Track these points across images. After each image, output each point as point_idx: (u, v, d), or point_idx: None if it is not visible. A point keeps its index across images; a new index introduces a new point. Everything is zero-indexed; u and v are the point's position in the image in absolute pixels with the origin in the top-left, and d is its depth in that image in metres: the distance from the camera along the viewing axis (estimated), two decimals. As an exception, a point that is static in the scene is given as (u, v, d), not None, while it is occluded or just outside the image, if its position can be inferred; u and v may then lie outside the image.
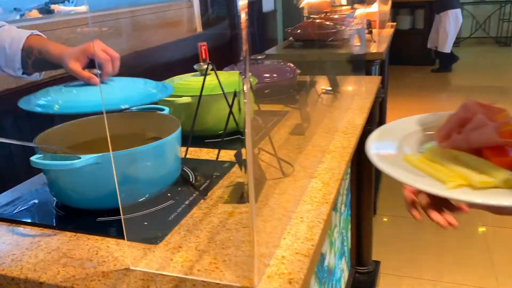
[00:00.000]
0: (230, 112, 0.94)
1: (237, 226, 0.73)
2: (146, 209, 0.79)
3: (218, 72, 1.25)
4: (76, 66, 0.86)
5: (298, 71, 1.59)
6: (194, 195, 0.85)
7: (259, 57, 1.58)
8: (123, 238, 0.71)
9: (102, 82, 0.86)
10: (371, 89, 1.59)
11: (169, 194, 0.85)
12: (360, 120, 1.25)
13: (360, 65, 1.89)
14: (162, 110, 1.01)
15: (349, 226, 1.80)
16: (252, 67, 1.57)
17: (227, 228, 0.73)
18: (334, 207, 1.42)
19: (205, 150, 1.09)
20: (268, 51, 2.51)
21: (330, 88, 1.54)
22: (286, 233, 0.71)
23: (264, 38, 3.62)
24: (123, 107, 0.81)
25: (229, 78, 1.19)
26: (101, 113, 0.66)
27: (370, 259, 2.01)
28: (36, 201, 0.85)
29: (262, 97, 1.51)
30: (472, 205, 0.58)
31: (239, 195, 0.84)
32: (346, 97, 1.49)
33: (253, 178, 0.55)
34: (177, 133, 0.87)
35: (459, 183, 0.58)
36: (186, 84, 1.15)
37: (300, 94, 1.53)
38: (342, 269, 1.68)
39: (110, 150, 0.67)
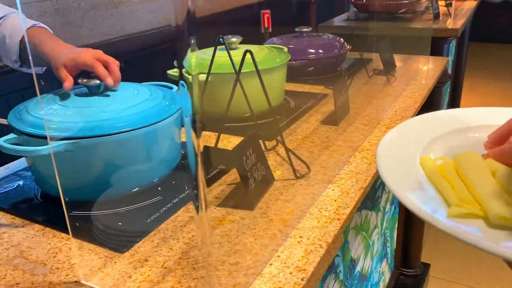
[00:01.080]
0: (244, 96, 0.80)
1: (222, 239, 0.61)
2: (124, 207, 0.68)
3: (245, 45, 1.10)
4: (62, 72, 0.77)
5: (348, 47, 1.39)
6: (187, 192, 0.73)
7: (305, 29, 1.41)
8: (89, 240, 0.61)
9: (103, 93, 0.76)
10: (434, 72, 1.36)
11: (159, 188, 0.74)
12: (410, 110, 1.05)
13: (426, 43, 1.64)
14: (171, 88, 0.89)
15: (396, 225, 1.61)
16: (295, 41, 1.40)
17: (210, 240, 0.60)
18: (376, 207, 1.25)
19: (221, 136, 0.96)
20: (324, 23, 2.30)
21: (383, 69, 1.34)
22: (275, 257, 0.57)
23: (333, 7, 3.37)
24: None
25: (258, 53, 1.04)
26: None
27: (418, 261, 1.81)
28: (20, 183, 0.78)
29: (304, 75, 1.35)
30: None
31: (239, 197, 0.71)
32: (401, 81, 1.28)
33: (203, 182, 0.41)
34: (174, 116, 0.75)
35: (467, 212, 0.38)
36: (207, 59, 1.02)
37: (345, 74, 1.34)
38: (382, 272, 1.51)
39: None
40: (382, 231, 1.41)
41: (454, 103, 3.14)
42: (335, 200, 0.69)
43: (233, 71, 0.82)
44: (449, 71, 2.72)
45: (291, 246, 0.59)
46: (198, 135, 0.38)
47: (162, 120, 0.71)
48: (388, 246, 1.55)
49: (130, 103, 0.72)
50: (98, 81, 0.74)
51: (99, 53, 0.79)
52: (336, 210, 0.66)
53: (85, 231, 0.64)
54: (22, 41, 0.89)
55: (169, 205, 0.69)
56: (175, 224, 0.65)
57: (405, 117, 1.01)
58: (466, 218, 0.38)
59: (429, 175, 0.44)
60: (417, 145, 0.49)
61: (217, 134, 0.97)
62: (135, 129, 0.66)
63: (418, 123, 0.55)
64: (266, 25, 2.02)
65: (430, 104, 1.41)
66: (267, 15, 2.03)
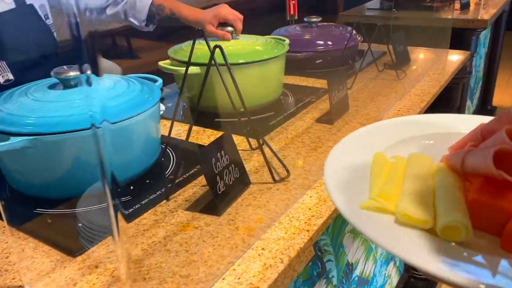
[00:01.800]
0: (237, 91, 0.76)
1: (181, 247, 0.57)
2: (88, 206, 0.66)
3: (243, 35, 1.06)
4: (212, 29, 1.04)
5: (360, 39, 1.32)
6: (159, 192, 0.70)
7: (314, 19, 1.34)
8: (46, 241, 0.59)
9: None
10: (450, 67, 1.27)
11: (131, 188, 0.71)
12: (415, 110, 0.98)
13: (446, 35, 1.54)
14: (155, 81, 0.86)
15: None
16: (302, 31, 1.34)
17: (167, 248, 0.57)
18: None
19: (209, 132, 0.92)
20: (346, 12, 2.21)
21: (395, 63, 1.26)
22: (230, 271, 0.53)
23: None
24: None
25: (253, 44, 0.99)
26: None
27: (432, 264, 1.73)
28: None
29: (309, 68, 1.29)
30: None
31: (207, 201, 0.67)
32: (411, 77, 1.20)
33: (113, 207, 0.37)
34: (150, 111, 0.71)
35: (379, 206, 0.36)
36: (199, 49, 0.98)
37: (344, 68, 1.27)
38: (388, 275, 1.45)
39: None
40: (388, 234, 1.34)
41: (485, 100, 2.98)
42: (310, 209, 0.64)
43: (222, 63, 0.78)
44: (481, 65, 2.57)
45: (250, 259, 0.55)
46: (101, 148, 0.34)
47: (133, 116, 0.68)
48: (397, 249, 1.48)
49: (102, 98, 0.69)
50: (73, 74, 0.71)
51: (232, 10, 1.06)
52: (308, 220, 0.61)
53: (45, 231, 0.62)
54: (153, 4, 1.07)
55: (136, 206, 0.66)
56: (138, 228, 0.62)
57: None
58: (378, 212, 0.36)
59: (372, 168, 0.43)
60: (374, 149, 0.45)
61: (211, 130, 0.93)
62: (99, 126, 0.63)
63: (375, 129, 0.51)
64: (292, 12, 1.96)
65: (446, 101, 1.32)
66: (293, 2, 1.96)
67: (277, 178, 0.72)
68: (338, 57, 1.27)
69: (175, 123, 0.97)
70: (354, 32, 1.32)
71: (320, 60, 1.29)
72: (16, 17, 0.94)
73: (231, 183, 0.66)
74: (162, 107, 1.02)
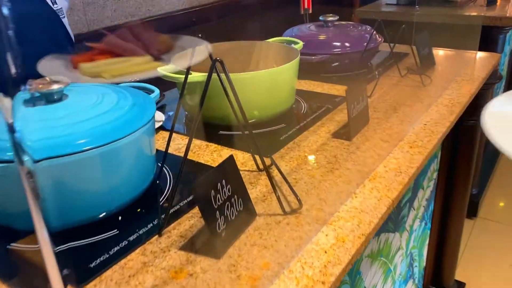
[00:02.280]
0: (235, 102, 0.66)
1: (171, 301, 0.48)
2: (66, 243, 0.57)
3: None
4: None
5: (380, 40, 1.21)
6: (151, 224, 0.61)
7: (330, 18, 1.23)
8: (13, 284, 0.51)
9: None
10: (480, 72, 1.15)
11: (119, 218, 0.62)
12: (443, 124, 0.87)
13: (474, 35, 1.42)
14: (151, 92, 0.77)
15: (427, 241, 1.44)
16: (317, 32, 1.23)
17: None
18: (400, 227, 1.09)
19: (212, 147, 0.83)
20: (364, 7, 2.09)
21: (419, 67, 1.15)
22: (228, 339, 0.43)
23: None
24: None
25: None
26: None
27: (452, 279, 1.63)
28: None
29: (326, 72, 1.18)
30: None
31: (206, 239, 0.57)
32: (438, 83, 1.09)
33: None
34: (143, 130, 0.62)
35: None
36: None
37: (367, 73, 1.16)
38: (406, 294, 1.35)
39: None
40: (408, 252, 1.24)
41: None
42: (326, 252, 0.54)
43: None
44: (505, 63, 2.43)
45: (253, 321, 0.45)
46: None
47: (120, 138, 0.59)
48: (416, 266, 1.38)
49: (86, 115, 0.60)
50: (54, 88, 0.62)
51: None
52: (324, 268, 0.51)
53: (14, 270, 0.53)
54: None
55: (123, 244, 0.57)
56: (123, 273, 0.52)
57: (435, 133, 0.83)
58: None
59: None
60: None
61: (215, 144, 0.84)
62: (76, 153, 0.54)
63: None
64: (306, 6, 1.86)
65: (471, 109, 1.21)
66: (308, -5, 1.86)
67: (287, 209, 0.62)
68: (357, 60, 1.16)
69: (176, 135, 0.88)
70: (374, 32, 1.21)
71: (337, 63, 1.18)
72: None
73: (233, 218, 0.57)
74: (162, 116, 0.93)
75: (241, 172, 0.61)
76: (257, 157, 0.75)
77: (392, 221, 1.04)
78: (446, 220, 1.51)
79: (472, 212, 2.15)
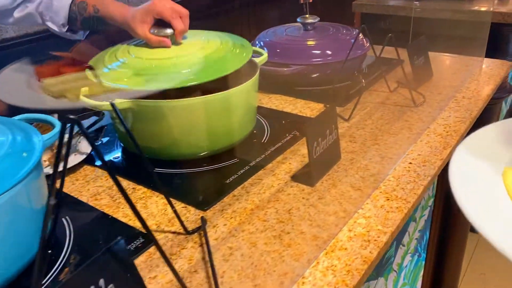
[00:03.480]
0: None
1: None
2: None
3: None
4: (143, 30, 0.76)
5: (367, 46, 1.03)
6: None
7: (310, 20, 1.05)
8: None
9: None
10: (486, 84, 0.97)
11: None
12: (433, 164, 0.69)
13: (481, 36, 1.23)
14: (53, 126, 0.60)
15: (421, 273, 1.27)
16: (296, 35, 1.05)
17: None
18: (385, 270, 0.92)
19: (141, 191, 0.66)
20: (361, 0, 1.89)
21: (411, 80, 0.97)
22: None
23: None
24: None
25: (202, 59, 0.71)
26: None
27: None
28: None
29: (303, 85, 1.01)
30: None
31: None
32: (433, 101, 0.91)
33: None
34: (19, 186, 0.46)
35: None
36: (134, 62, 0.70)
37: (352, 86, 0.98)
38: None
39: None
40: (397, 291, 1.07)
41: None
42: None
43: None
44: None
45: None
46: None
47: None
48: (407, 302, 1.21)
49: None
50: None
51: (172, 3, 0.76)
52: None
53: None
54: (74, 3, 0.83)
55: None
56: None
57: (421, 178, 0.66)
58: None
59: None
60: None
61: (142, 187, 0.67)
62: None
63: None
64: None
65: (478, 128, 1.03)
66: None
67: (205, 304, 0.46)
68: (340, 71, 0.98)
69: (102, 173, 0.71)
70: (361, 37, 1.03)
71: (317, 74, 1.00)
72: None
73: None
74: (87, 147, 0.76)
75: (165, 235, 0.45)
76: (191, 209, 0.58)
77: (375, 269, 0.87)
78: (446, 246, 1.34)
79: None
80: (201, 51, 0.72)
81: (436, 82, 1.00)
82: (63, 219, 0.60)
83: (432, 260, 1.33)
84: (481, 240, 1.97)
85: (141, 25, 0.75)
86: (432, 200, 1.14)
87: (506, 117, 2.45)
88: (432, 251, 1.30)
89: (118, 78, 0.67)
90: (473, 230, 1.67)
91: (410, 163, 0.69)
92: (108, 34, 0.85)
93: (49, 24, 0.85)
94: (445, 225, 1.28)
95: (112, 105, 0.52)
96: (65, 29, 0.85)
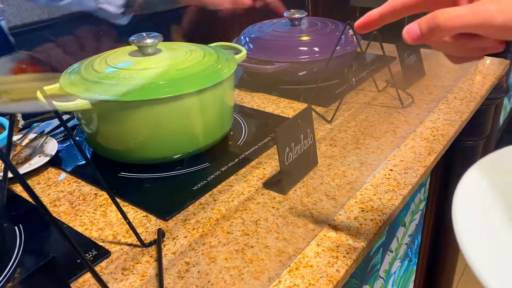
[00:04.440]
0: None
1: None
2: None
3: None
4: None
5: (355, 42, 0.98)
6: None
7: (296, 15, 1.00)
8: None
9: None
10: (480, 87, 0.92)
11: None
12: (415, 171, 0.65)
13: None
14: (4, 128, 0.56)
15: (412, 278, 1.23)
16: (282, 31, 1.00)
17: None
18: (371, 278, 0.88)
19: (102, 198, 0.62)
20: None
21: (400, 80, 0.92)
22: None
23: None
24: None
25: (179, 66, 0.67)
26: None
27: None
28: None
29: (288, 83, 0.96)
30: None
31: None
32: (422, 103, 0.86)
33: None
34: None
35: None
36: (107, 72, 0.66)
37: (340, 84, 0.93)
38: None
39: None
40: (384, 300, 1.03)
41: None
42: None
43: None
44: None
45: None
46: None
47: None
48: (397, 308, 1.17)
49: None
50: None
51: None
52: None
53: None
54: None
55: None
56: None
57: (400, 186, 0.62)
58: None
59: None
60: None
61: (104, 192, 0.63)
62: None
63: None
64: None
65: (471, 128, 0.98)
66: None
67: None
68: (327, 68, 0.93)
69: (71, 178, 0.68)
70: (351, 33, 0.98)
71: (303, 73, 0.96)
72: None
73: None
74: (54, 148, 0.72)
75: (120, 247, 0.41)
76: (150, 220, 0.54)
77: (357, 275, 0.83)
78: (439, 249, 1.30)
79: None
80: (179, 64, 0.67)
81: (428, 81, 0.96)
82: (16, 227, 0.56)
83: (424, 264, 1.29)
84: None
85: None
86: (424, 203, 1.10)
87: (507, 118, 2.38)
88: (424, 255, 1.26)
89: (78, 83, 0.63)
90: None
91: (391, 170, 0.65)
92: (81, 38, 0.81)
93: (104, 5, 0.85)
94: (439, 228, 1.23)
95: (56, 112, 0.48)
96: (121, 11, 0.85)
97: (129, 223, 0.51)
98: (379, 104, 0.86)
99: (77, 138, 0.79)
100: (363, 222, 0.55)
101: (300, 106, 0.88)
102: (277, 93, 0.94)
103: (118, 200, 0.62)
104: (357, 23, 0.40)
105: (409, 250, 1.11)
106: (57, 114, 0.45)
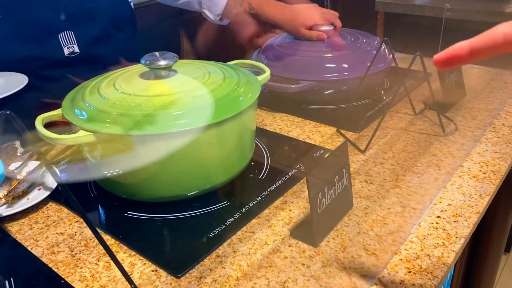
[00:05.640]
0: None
1: None
2: None
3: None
4: (305, 32, 0.91)
5: (389, 58, 0.89)
6: None
7: (324, 28, 0.91)
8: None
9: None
10: (528, 110, 0.82)
11: None
12: (467, 220, 0.56)
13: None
14: None
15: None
16: (306, 45, 0.92)
17: None
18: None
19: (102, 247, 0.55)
20: None
21: (440, 102, 0.83)
22: None
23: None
24: None
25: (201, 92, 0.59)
26: None
27: None
28: None
29: (314, 103, 0.88)
30: None
31: None
32: (466, 131, 0.77)
33: None
34: None
35: None
36: (112, 100, 0.59)
37: (372, 105, 0.84)
38: None
39: None
40: None
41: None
42: None
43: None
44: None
45: None
46: None
47: None
48: None
49: None
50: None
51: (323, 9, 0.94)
52: None
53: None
54: None
55: None
56: None
57: (451, 241, 0.53)
58: None
59: None
60: None
61: (110, 237, 0.56)
62: None
63: None
64: None
65: None
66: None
67: None
68: (358, 87, 0.85)
69: (68, 214, 0.60)
70: (383, 47, 0.89)
71: (330, 91, 0.87)
72: None
73: None
74: (54, 182, 0.64)
75: None
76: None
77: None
78: (475, 270, 1.20)
79: (506, 246, 1.82)
80: (196, 89, 0.59)
81: (469, 103, 0.86)
82: (6, 282, 0.49)
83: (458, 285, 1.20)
84: (509, 261, 1.82)
85: (303, 29, 0.90)
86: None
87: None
88: (458, 278, 1.17)
89: (100, 120, 0.55)
90: (507, 250, 1.50)
91: (438, 216, 0.56)
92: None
93: (206, 11, 0.98)
94: (475, 249, 1.14)
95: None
96: (218, 18, 0.98)
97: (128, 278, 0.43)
98: (418, 131, 0.77)
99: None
100: (410, 287, 0.46)
101: (328, 130, 0.79)
102: (301, 115, 0.85)
103: (125, 247, 0.54)
104: (439, 57, 0.31)
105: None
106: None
